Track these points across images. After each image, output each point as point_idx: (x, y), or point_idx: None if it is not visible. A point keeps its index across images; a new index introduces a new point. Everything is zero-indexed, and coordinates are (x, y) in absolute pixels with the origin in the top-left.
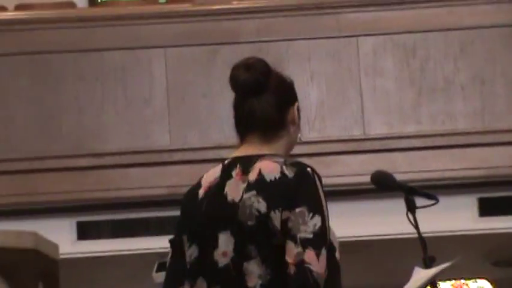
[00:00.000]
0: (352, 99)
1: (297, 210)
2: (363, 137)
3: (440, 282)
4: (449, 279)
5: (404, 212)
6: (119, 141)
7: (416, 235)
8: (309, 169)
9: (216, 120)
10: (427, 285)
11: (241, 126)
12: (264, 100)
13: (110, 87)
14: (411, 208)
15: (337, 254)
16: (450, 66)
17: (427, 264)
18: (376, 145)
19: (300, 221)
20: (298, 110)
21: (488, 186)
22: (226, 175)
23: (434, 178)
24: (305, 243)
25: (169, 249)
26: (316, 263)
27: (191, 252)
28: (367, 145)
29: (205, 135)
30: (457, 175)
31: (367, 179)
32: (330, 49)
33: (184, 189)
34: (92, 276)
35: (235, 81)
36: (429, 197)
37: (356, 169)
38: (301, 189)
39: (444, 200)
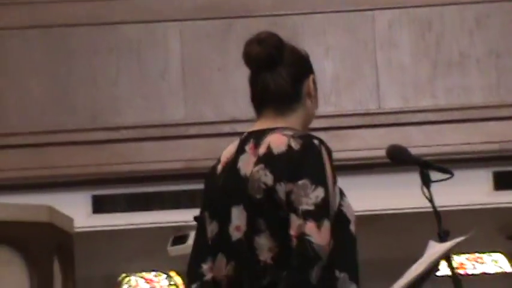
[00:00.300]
0: (367, 73)
1: (300, 182)
2: (378, 111)
3: (455, 256)
4: (464, 253)
5: (419, 186)
6: (134, 114)
7: (431, 209)
8: (315, 141)
9: (231, 94)
10: (441, 259)
11: (256, 101)
12: (277, 74)
13: (124, 60)
14: (426, 182)
15: (351, 227)
16: (466, 40)
17: (442, 238)
18: (391, 119)
19: (302, 193)
20: (314, 82)
21: (504, 160)
22: (240, 150)
23: (449, 152)
24: (306, 215)
25: (184, 223)
26: (317, 234)
27: (212, 228)
28: (382, 119)
29: (220, 109)
30: (472, 149)
31: (382, 153)
32: (346, 23)
33: (200, 163)
34: (107, 249)
35: (248, 57)
36: (444, 171)
37: (371, 143)
38: (304, 161)
39: (459, 174)
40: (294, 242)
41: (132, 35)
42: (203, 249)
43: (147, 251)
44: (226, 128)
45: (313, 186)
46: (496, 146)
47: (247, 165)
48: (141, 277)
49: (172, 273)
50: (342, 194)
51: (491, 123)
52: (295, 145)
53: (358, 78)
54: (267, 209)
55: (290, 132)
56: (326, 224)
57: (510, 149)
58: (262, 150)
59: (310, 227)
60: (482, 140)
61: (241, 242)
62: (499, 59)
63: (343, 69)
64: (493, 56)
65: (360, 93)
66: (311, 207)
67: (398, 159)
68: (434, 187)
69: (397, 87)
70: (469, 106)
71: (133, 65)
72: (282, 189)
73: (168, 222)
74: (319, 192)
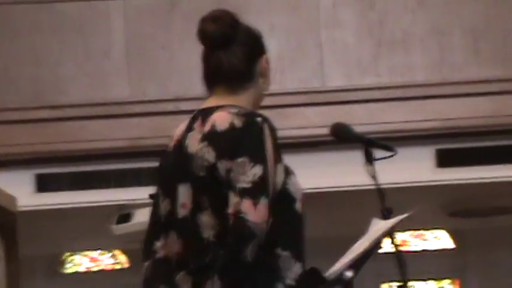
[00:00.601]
0: (311, 51)
1: (239, 160)
2: (322, 89)
3: (398, 233)
4: (408, 230)
5: (362, 164)
6: (78, 93)
7: (374, 186)
8: (258, 119)
9: (175, 73)
10: (385, 236)
11: (208, 78)
12: (231, 52)
13: (68, 39)
14: (370, 160)
15: (297, 205)
16: (408, 19)
17: (385, 215)
18: (335, 97)
19: (240, 171)
20: (267, 62)
21: (446, 138)
22: (189, 127)
23: (392, 130)
24: (242, 193)
25: (129, 202)
26: (252, 212)
27: (165, 205)
28: (327, 97)
29: (164, 88)
30: (415, 127)
31: (326, 130)
32: (290, 1)
33: (144, 142)
34: (51, 228)
35: (203, 34)
36: (387, 148)
37: (315, 121)
38: (244, 139)
39: (402, 152)
40: (231, 219)
41: (75, 13)
42: (156, 227)
43: (91, 229)
44: (170, 107)
45: (252, 164)
46: (438, 124)
47: (194, 142)
48: (85, 256)
49: (117, 252)
50: (288, 172)
51: (434, 101)
52: (237, 123)
53: (302, 57)
54: (210, 187)
55: (235, 110)
56: (263, 202)
57: (452, 127)
58: (207, 127)
59: (246, 204)
60: (425, 118)
61: (186, 219)
62: (441, 37)
63: (287, 48)
64: (435, 35)
65: (304, 71)
66: (248, 185)
67: (342, 137)
68: (377, 164)
69: (341, 65)
70: (412, 84)
71: (77, 44)
72: (223, 166)
73: (113, 201)
74: (257, 170)
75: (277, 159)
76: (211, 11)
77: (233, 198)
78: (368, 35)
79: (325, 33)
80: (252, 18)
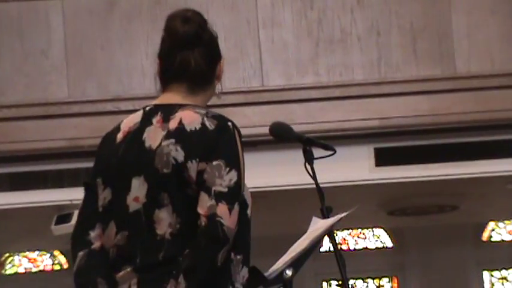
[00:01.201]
0: (250, 51)
1: (214, 162)
2: (261, 89)
3: (337, 231)
4: (347, 229)
5: (302, 163)
6: (16, 93)
7: (314, 185)
8: (229, 123)
9: (114, 72)
10: (324, 235)
11: (168, 75)
12: (197, 53)
13: (6, 38)
14: (309, 159)
15: (248, 211)
16: (347, 18)
17: (325, 214)
18: (274, 96)
19: (216, 173)
20: (223, 65)
21: (384, 137)
22: (146, 121)
23: (331, 129)
24: (219, 197)
25: (68, 202)
26: (227, 217)
27: (105, 195)
28: (266, 96)
29: (104, 88)
30: (354, 126)
31: (265, 130)
32: (229, 1)
33: (83, 142)
34: None
35: (175, 32)
36: (326, 147)
37: (254, 120)
38: (220, 143)
39: (341, 151)
40: (203, 221)
41: (13, 12)
42: (92, 216)
43: (30, 230)
44: (109, 106)
45: (227, 169)
46: (377, 123)
47: (154, 138)
48: (25, 256)
49: (56, 252)
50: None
51: (373, 100)
52: (209, 124)
53: (241, 57)
54: (173, 184)
55: (202, 111)
56: (236, 208)
57: (391, 126)
58: (173, 125)
59: (222, 209)
60: (363, 117)
61: (138, 213)
62: (379, 36)
63: (226, 48)
64: (373, 34)
65: (243, 71)
66: (224, 189)
67: (281, 137)
68: (317, 164)
69: (280, 65)
70: (350, 83)
71: (14, 43)
72: (193, 167)
73: (51, 201)
74: (233, 176)
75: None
76: (181, 10)
77: (207, 201)
78: (307, 34)
79: (264, 33)
80: None
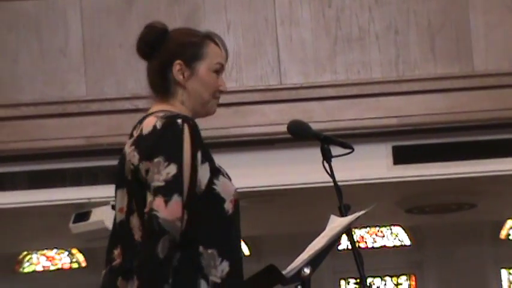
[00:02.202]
0: (268, 49)
1: (155, 160)
2: (279, 87)
3: (355, 230)
4: (365, 227)
5: (320, 161)
6: (35, 91)
7: (332, 184)
8: (179, 120)
9: (132, 71)
10: (342, 233)
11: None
12: (150, 64)
13: (24, 37)
14: (327, 157)
15: (226, 205)
16: (365, 16)
17: (343, 213)
18: (293, 94)
19: (155, 170)
20: (183, 67)
21: (402, 135)
22: (131, 135)
23: (349, 127)
24: (156, 191)
25: (86, 200)
26: (163, 209)
27: (115, 213)
28: (284, 94)
29: (122, 86)
30: (372, 124)
31: (283, 128)
32: None
33: (101, 140)
34: (8, 227)
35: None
36: (344, 145)
37: (272, 118)
38: (161, 140)
39: (359, 149)
40: (145, 218)
41: (32, 11)
42: (113, 235)
43: (48, 228)
44: (128, 105)
45: (166, 164)
46: (395, 121)
47: (128, 148)
48: (43, 255)
49: (74, 251)
50: (218, 172)
51: (390, 98)
52: (158, 125)
53: (259, 54)
54: (135, 189)
55: (161, 114)
56: (176, 199)
57: (409, 124)
58: (136, 133)
59: (157, 202)
60: (381, 115)
61: (123, 223)
62: (397, 34)
63: (244, 45)
64: (391, 32)
65: (261, 69)
66: (161, 183)
67: (299, 135)
68: (335, 162)
69: (297, 63)
70: (368, 81)
71: (33, 42)
72: (143, 167)
73: (70, 200)
74: (171, 169)
75: (204, 160)
76: (150, 22)
77: (148, 197)
78: (325, 32)
79: (282, 31)
80: (208, 17)
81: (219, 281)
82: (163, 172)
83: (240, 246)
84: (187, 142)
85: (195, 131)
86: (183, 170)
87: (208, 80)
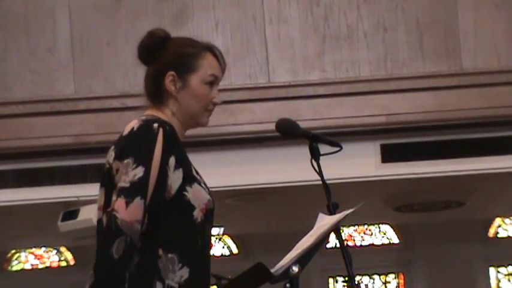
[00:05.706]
0: (256, 47)
1: (125, 161)
2: (267, 85)
3: (344, 228)
4: (353, 225)
5: (308, 159)
6: (23, 90)
7: (320, 182)
8: (155, 124)
9: (120, 69)
10: (331, 231)
11: None
12: (147, 71)
13: (12, 35)
14: (315, 155)
15: (196, 213)
16: (353, 14)
17: (331, 211)
18: (281, 93)
19: (124, 171)
20: (176, 78)
21: (390, 133)
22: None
23: (338, 125)
24: (119, 192)
25: (74, 198)
26: (123, 210)
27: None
28: (272, 93)
29: (110, 84)
30: (360, 122)
31: (272, 126)
32: None
33: (89, 138)
34: None
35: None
36: (333, 144)
37: (261, 117)
38: (133, 142)
39: (348, 147)
40: (107, 217)
41: (20, 9)
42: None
43: (36, 227)
44: (116, 103)
45: (135, 165)
46: (383, 119)
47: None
48: (31, 253)
49: (63, 249)
50: (193, 180)
51: (379, 97)
52: (136, 127)
53: (247, 53)
54: (109, 188)
55: (144, 117)
56: (138, 202)
57: (397, 122)
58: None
59: (119, 203)
60: (369, 113)
61: (100, 222)
62: (385, 32)
63: (232, 44)
64: (380, 30)
65: (250, 67)
66: (126, 185)
67: (287, 133)
68: (323, 160)
69: (286, 61)
70: (356, 80)
71: (21, 40)
72: (115, 167)
73: (58, 198)
74: (138, 171)
75: (178, 166)
76: (152, 29)
77: (113, 197)
78: (313, 30)
79: (270, 29)
80: (197, 15)
81: (176, 286)
82: (130, 173)
83: (207, 255)
84: (159, 146)
85: (169, 136)
86: (151, 173)
87: (200, 92)
